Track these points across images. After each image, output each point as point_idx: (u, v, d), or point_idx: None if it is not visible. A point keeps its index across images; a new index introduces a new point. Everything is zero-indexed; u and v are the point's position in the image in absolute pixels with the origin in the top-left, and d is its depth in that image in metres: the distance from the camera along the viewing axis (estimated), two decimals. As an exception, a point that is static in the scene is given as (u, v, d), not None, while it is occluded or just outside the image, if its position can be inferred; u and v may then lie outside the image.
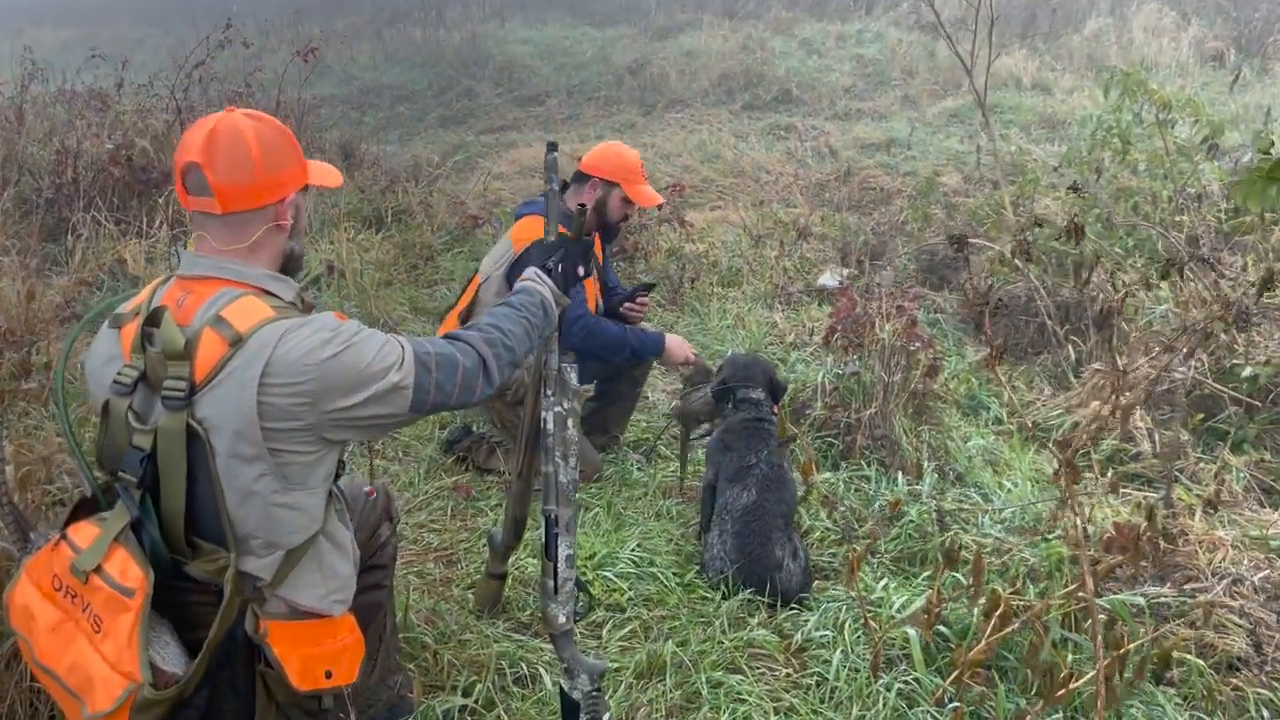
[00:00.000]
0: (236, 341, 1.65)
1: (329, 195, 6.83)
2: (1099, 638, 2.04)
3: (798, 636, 2.76)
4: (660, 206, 3.76)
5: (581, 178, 3.75)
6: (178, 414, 1.65)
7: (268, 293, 1.78)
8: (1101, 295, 4.62)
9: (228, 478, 1.67)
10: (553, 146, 2.17)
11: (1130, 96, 5.36)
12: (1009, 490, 3.60)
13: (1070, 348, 4.61)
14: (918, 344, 3.95)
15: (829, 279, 5.92)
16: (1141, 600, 2.77)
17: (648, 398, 4.44)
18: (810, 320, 5.27)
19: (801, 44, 12.73)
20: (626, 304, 3.89)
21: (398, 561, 2.42)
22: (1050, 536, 3.09)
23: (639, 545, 3.19)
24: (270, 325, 1.68)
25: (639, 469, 3.82)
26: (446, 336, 1.88)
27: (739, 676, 2.58)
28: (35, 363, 3.59)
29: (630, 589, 2.98)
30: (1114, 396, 2.47)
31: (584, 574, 3.02)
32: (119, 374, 1.72)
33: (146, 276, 4.98)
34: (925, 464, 3.70)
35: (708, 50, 12.53)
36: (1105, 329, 2.27)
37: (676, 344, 3.79)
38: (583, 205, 2.06)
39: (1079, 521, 1.89)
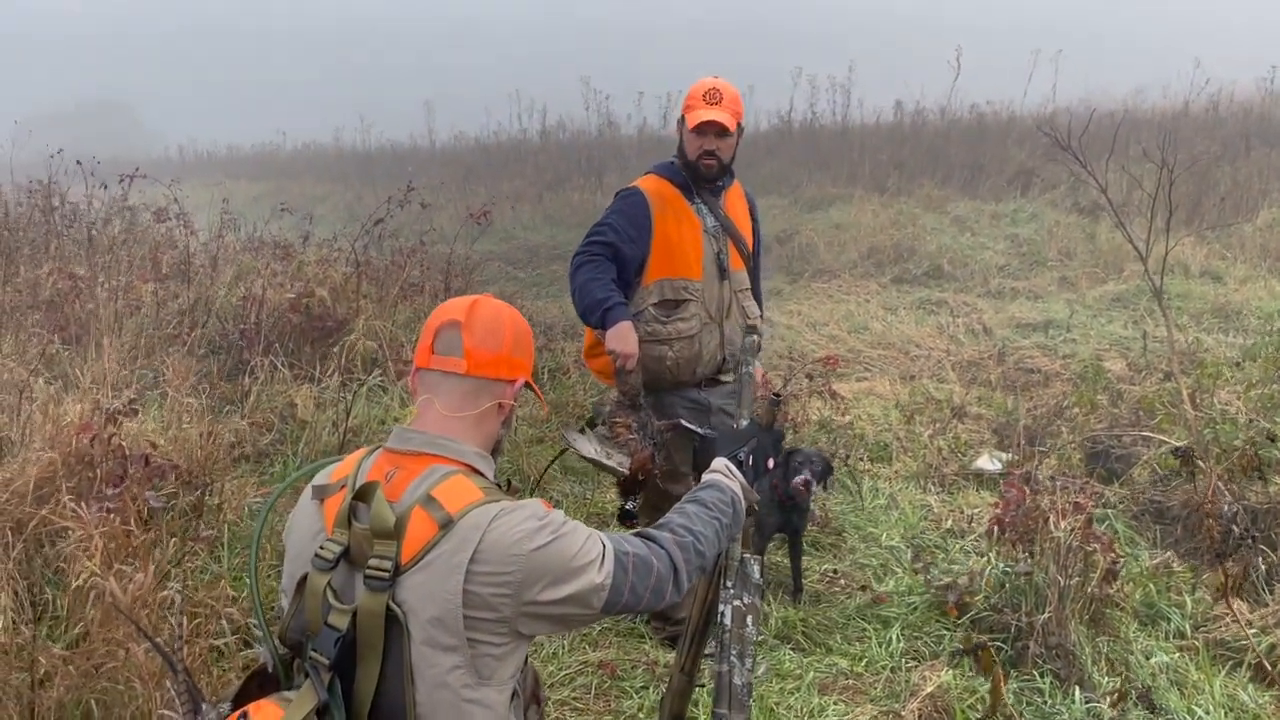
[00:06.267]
0: (446, 524, 1.62)
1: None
2: None
3: None
4: (711, 126, 3.28)
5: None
6: (379, 595, 1.60)
7: (476, 471, 1.77)
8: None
9: (421, 667, 1.60)
10: (751, 330, 2.11)
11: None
12: (1200, 718, 3.26)
13: (1260, 558, 4.25)
14: (1096, 545, 3.69)
15: (987, 462, 5.68)
16: None
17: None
18: (968, 506, 5.03)
19: (954, 221, 12.66)
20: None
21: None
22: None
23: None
24: (480, 508, 1.65)
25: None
26: (640, 535, 1.81)
27: None
28: (207, 504, 3.68)
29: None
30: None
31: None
32: (321, 548, 1.68)
33: (314, 421, 5.15)
34: (1104, 680, 3.41)
35: (857, 223, 12.57)
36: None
37: (624, 332, 3.09)
38: (777, 396, 2.00)
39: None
